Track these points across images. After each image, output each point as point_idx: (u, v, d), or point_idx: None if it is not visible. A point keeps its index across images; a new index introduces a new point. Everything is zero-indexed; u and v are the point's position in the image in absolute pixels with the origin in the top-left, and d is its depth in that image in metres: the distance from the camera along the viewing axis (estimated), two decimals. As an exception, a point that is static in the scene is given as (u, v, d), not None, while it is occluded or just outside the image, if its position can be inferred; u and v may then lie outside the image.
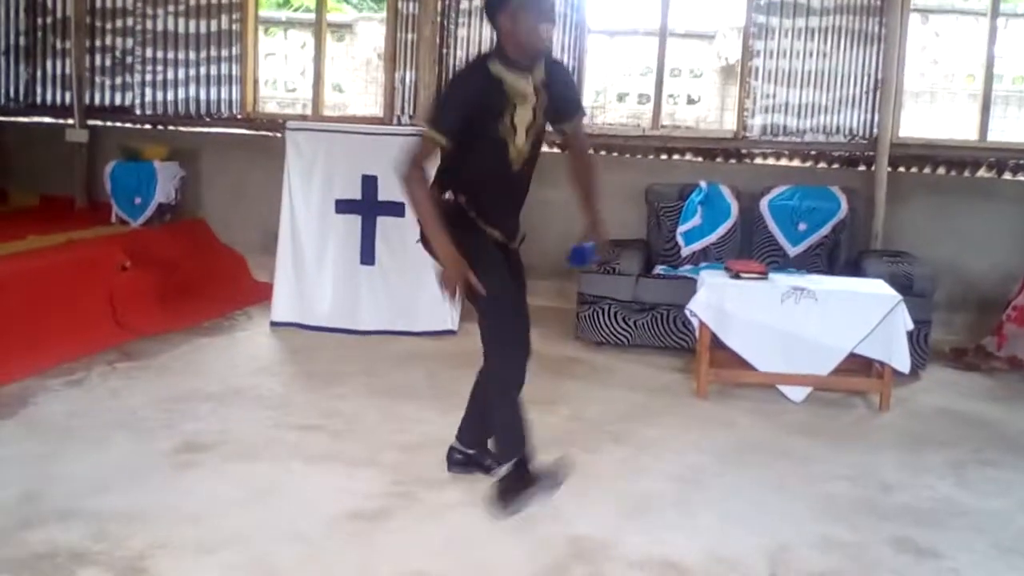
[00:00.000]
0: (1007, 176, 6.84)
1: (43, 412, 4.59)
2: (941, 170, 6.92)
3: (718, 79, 12.45)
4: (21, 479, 3.76)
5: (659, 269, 6.40)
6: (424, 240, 3.49)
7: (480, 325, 3.54)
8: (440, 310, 6.24)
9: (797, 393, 5.14)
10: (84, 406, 4.69)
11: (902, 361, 4.98)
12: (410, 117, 7.40)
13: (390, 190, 6.24)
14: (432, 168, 3.50)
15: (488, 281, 3.38)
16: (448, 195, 3.49)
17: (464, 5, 7.32)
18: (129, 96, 8.04)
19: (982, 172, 6.86)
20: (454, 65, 7.34)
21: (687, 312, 5.24)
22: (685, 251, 6.51)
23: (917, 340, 5.53)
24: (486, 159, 3.44)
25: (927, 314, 5.67)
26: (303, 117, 7.89)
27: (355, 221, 6.36)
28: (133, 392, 4.92)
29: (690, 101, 12.75)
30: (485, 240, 3.52)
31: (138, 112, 8.04)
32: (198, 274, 7.01)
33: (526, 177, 3.61)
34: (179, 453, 4.11)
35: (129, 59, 7.99)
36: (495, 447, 3.67)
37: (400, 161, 3.42)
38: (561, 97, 3.60)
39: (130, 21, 7.95)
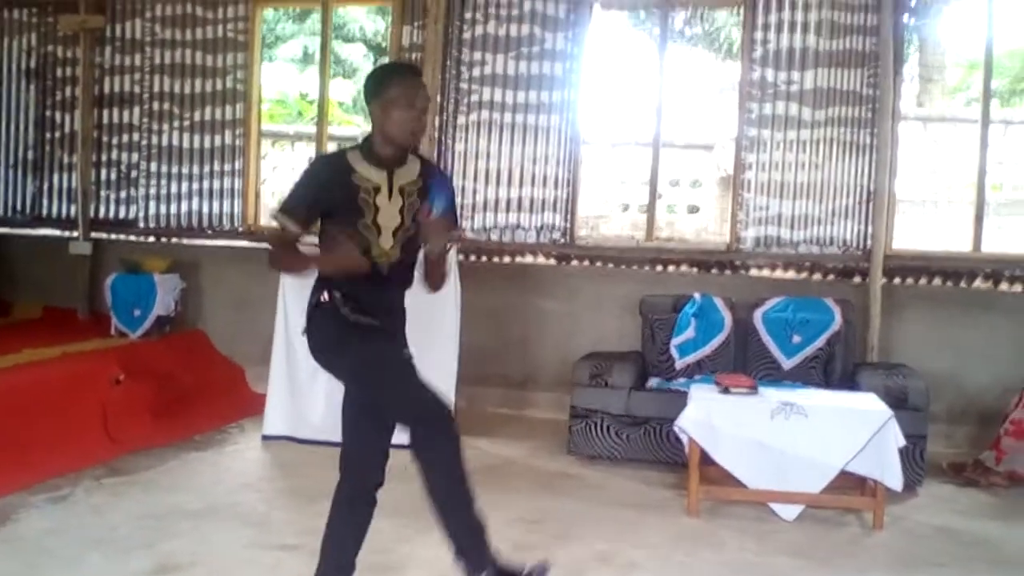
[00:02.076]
0: (1004, 287, 6.83)
1: (22, 529, 4.53)
2: (937, 281, 6.91)
3: (718, 189, 12.60)
4: (-12, 603, 3.71)
5: (652, 382, 6.36)
6: (308, 329, 3.43)
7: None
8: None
9: (789, 511, 5.04)
10: (64, 523, 4.63)
11: (894, 478, 4.89)
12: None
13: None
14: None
15: (353, 354, 3.35)
16: (324, 295, 3.37)
17: (461, 120, 7.48)
18: (133, 209, 8.18)
19: (978, 283, 6.85)
20: (451, 178, 7.45)
21: (676, 428, 5.19)
22: (679, 363, 6.47)
23: (912, 455, 5.44)
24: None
25: (923, 428, 5.59)
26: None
27: (349, 333, 6.36)
28: (115, 509, 4.87)
29: (691, 210, 12.87)
30: (359, 328, 3.36)
31: (141, 225, 8.17)
32: (194, 386, 7.01)
33: (401, 281, 3.47)
34: (153, 574, 4.04)
35: (134, 173, 8.15)
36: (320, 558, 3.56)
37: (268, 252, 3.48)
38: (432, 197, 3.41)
39: (136, 136, 8.14)
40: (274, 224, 3.41)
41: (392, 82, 3.31)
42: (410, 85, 3.32)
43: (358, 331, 3.34)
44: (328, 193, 3.32)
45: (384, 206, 3.34)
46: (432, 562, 4.10)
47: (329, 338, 3.38)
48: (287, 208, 3.34)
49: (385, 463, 3.47)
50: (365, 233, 3.31)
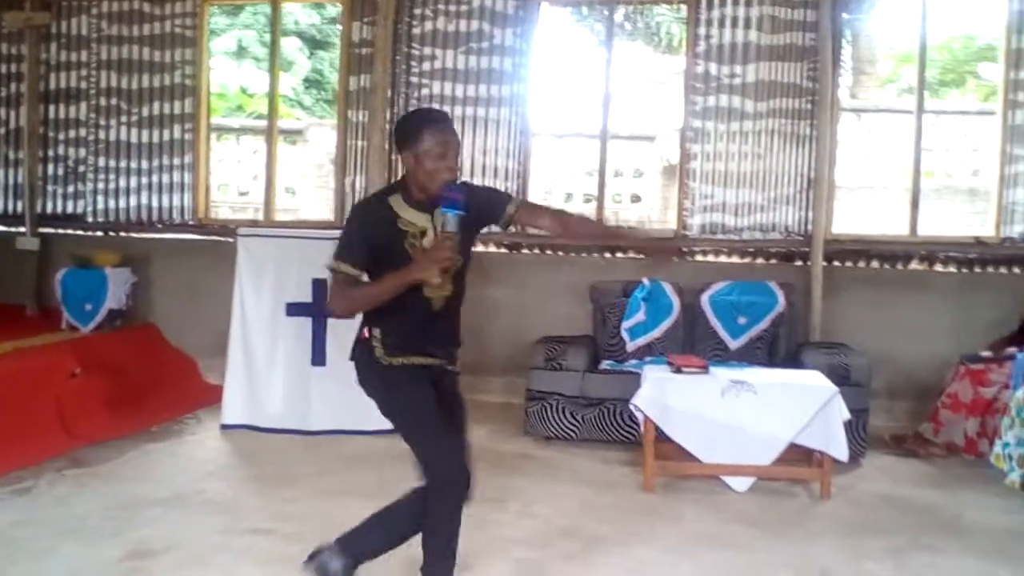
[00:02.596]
0: (938, 268, 7.13)
1: (-12, 522, 4.56)
2: (875, 264, 7.19)
3: (660, 179, 12.84)
4: (-36, 591, 3.74)
5: (605, 364, 6.53)
6: (353, 360, 3.48)
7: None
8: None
9: (741, 483, 5.26)
10: (31, 515, 4.66)
11: (840, 450, 5.14)
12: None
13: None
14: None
15: (386, 397, 3.41)
16: (365, 332, 3.42)
17: (412, 114, 7.55)
18: (81, 204, 8.14)
19: (914, 265, 7.14)
20: (401, 170, 7.53)
21: (632, 407, 5.37)
22: (630, 346, 6.66)
23: (856, 429, 5.69)
24: (403, 300, 3.30)
25: (865, 403, 5.84)
26: (254, 222, 8.03)
27: (306, 323, 6.44)
28: (81, 499, 4.91)
29: (634, 200, 13.10)
30: (392, 370, 3.40)
31: (90, 220, 8.12)
32: (148, 379, 7.01)
33: (452, 311, 3.49)
34: (127, 560, 4.11)
35: (82, 168, 8.11)
36: (350, 537, 3.54)
37: (332, 303, 3.40)
38: (483, 208, 3.46)
39: (83, 132, 8.10)
40: (334, 272, 3.34)
41: (424, 133, 3.29)
42: (441, 135, 3.30)
43: (392, 373, 3.38)
44: (377, 240, 3.31)
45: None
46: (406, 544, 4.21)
47: (367, 376, 3.43)
48: (344, 257, 3.32)
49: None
50: None
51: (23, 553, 4.17)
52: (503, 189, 7.45)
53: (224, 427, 6.38)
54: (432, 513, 3.34)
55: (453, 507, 3.34)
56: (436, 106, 7.49)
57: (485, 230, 3.70)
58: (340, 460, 5.75)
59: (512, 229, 3.81)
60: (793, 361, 6.30)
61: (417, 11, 7.55)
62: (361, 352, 3.43)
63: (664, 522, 4.78)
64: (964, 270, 7.08)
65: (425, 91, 7.55)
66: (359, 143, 7.64)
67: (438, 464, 3.30)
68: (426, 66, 7.55)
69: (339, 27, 8.41)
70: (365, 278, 3.36)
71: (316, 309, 6.43)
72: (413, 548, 3.47)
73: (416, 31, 7.56)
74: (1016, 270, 6.99)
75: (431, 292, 3.35)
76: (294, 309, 6.46)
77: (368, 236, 3.32)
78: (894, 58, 16.93)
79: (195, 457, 5.84)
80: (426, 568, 3.42)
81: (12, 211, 8.28)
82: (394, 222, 3.33)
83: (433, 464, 3.30)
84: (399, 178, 3.46)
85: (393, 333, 3.38)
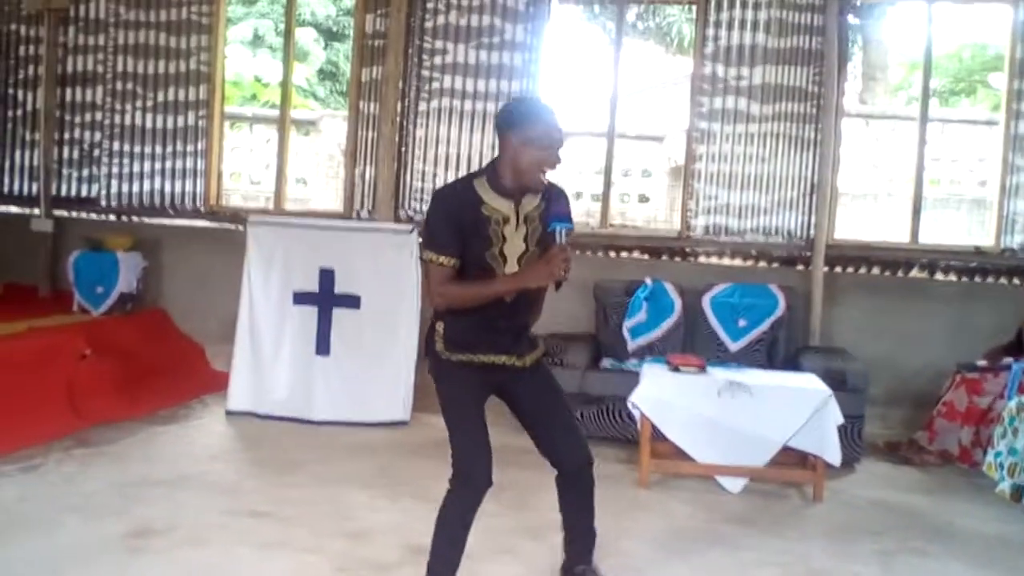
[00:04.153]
0: (939, 276, 7.19)
1: (-4, 497, 4.67)
2: (876, 270, 7.25)
3: (668, 179, 12.90)
4: (-28, 562, 3.85)
5: (606, 362, 6.61)
6: (428, 353, 3.49)
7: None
8: (393, 401, 6.46)
9: (734, 484, 5.34)
10: (38, 492, 4.78)
11: (833, 454, 5.21)
12: (368, 212, 7.65)
13: (346, 283, 6.50)
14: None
15: (442, 390, 3.44)
16: (434, 325, 3.44)
17: (423, 107, 7.65)
18: (95, 188, 8.24)
19: (915, 273, 7.20)
20: (411, 162, 7.65)
21: (629, 404, 5.45)
22: (631, 345, 6.73)
23: (851, 434, 5.76)
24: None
25: (860, 409, 5.91)
26: (265, 211, 8.12)
27: (312, 312, 6.55)
28: (87, 478, 5.02)
29: (642, 200, 13.16)
30: (450, 365, 3.43)
31: (103, 203, 8.23)
32: (157, 363, 7.11)
33: (524, 305, 3.45)
34: (130, 538, 4.21)
35: (96, 152, 8.21)
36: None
37: (430, 295, 3.37)
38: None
39: (99, 115, 8.20)
40: (429, 264, 3.31)
41: (537, 121, 3.24)
42: (553, 128, 3.26)
43: (447, 367, 3.41)
44: (462, 224, 3.28)
45: (511, 235, 3.32)
46: (399, 528, 4.32)
47: (430, 366, 3.47)
48: (437, 246, 3.28)
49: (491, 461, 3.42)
50: (492, 262, 3.31)
51: (28, 527, 4.28)
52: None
53: (229, 413, 6.49)
54: (445, 507, 3.39)
55: (466, 507, 3.37)
56: (447, 100, 7.60)
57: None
58: (341, 449, 5.85)
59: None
60: (791, 364, 6.37)
61: (430, 5, 7.63)
62: (427, 342, 3.47)
63: (656, 518, 4.88)
64: (964, 279, 7.14)
65: (436, 84, 7.63)
66: (370, 134, 7.73)
67: (461, 462, 3.35)
68: (437, 60, 7.63)
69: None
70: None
71: (322, 299, 6.53)
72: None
73: (428, 24, 7.65)
74: (1016, 281, 7.05)
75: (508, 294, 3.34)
76: (301, 298, 6.56)
77: (454, 221, 3.28)
78: (905, 65, 16.96)
79: (199, 441, 5.95)
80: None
81: (27, 193, 8.39)
82: (478, 206, 3.29)
83: (457, 461, 3.35)
84: (490, 162, 3.39)
85: (456, 329, 3.39)
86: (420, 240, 3.38)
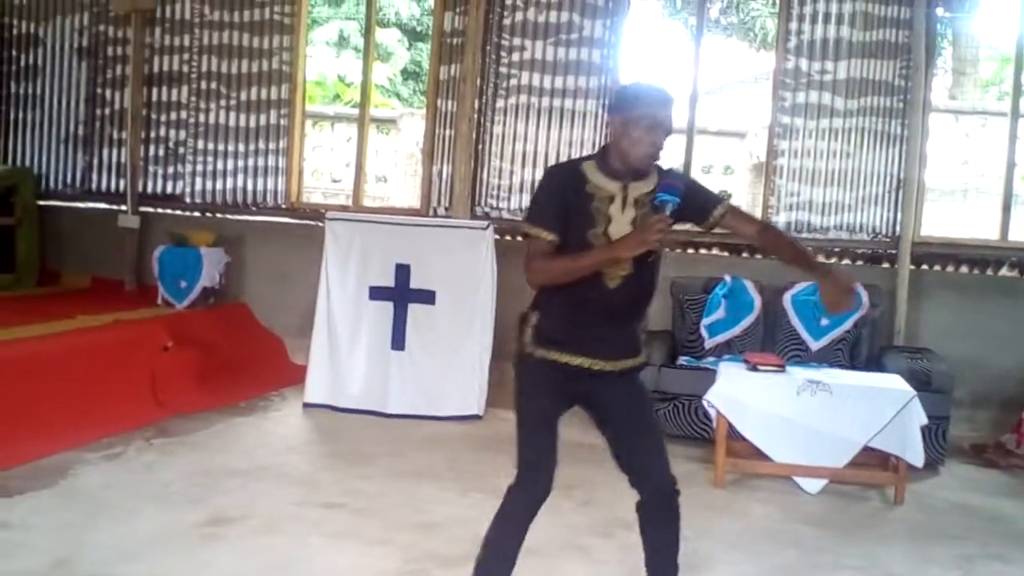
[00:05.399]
0: (1030, 275, 6.95)
1: (80, 483, 4.79)
2: (964, 269, 7.04)
3: (749, 175, 12.71)
4: (54, 546, 3.94)
5: (682, 360, 6.53)
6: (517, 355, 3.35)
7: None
8: (467, 396, 6.47)
9: (812, 485, 5.23)
10: (118, 479, 4.89)
11: (916, 455, 5.06)
12: (445, 209, 7.67)
13: (422, 278, 6.54)
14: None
15: (518, 387, 3.32)
16: (529, 311, 3.32)
17: (500, 104, 7.65)
18: (180, 185, 8.41)
19: (1004, 271, 6.97)
20: (488, 159, 7.66)
21: (704, 402, 5.37)
22: (709, 343, 6.64)
23: (935, 436, 5.60)
24: (579, 288, 3.17)
25: (945, 410, 5.74)
26: (344, 208, 8.20)
27: (387, 307, 6.60)
28: (166, 467, 5.13)
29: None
30: (531, 362, 3.29)
31: (188, 200, 8.40)
32: (237, 356, 7.24)
33: (632, 296, 3.25)
34: (205, 526, 4.28)
35: (181, 150, 8.39)
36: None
37: (526, 269, 3.23)
38: (693, 203, 3.28)
39: (184, 114, 8.37)
40: (530, 238, 3.23)
41: (643, 102, 3.15)
42: (658, 109, 3.15)
43: (527, 361, 3.29)
44: (566, 202, 3.20)
45: (616, 216, 3.19)
46: (468, 521, 4.30)
47: (514, 355, 3.37)
48: (538, 220, 3.21)
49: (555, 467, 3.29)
50: (595, 243, 3.16)
51: (108, 514, 4.38)
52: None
53: (306, 406, 6.57)
54: (504, 507, 3.30)
55: (523, 508, 3.27)
56: (524, 97, 7.59)
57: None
58: (414, 442, 5.88)
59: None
60: (874, 365, 6.21)
61: (508, 1, 7.61)
62: (517, 330, 3.36)
63: (730, 518, 4.79)
64: (1056, 279, 6.89)
65: (514, 81, 7.62)
66: (447, 132, 7.75)
67: (521, 467, 3.27)
68: (515, 56, 7.61)
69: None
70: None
71: (398, 294, 6.58)
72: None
73: (506, 21, 7.63)
74: (1111, 281, 6.78)
75: (608, 267, 3.15)
76: (377, 293, 6.62)
77: (558, 197, 3.21)
78: (996, 60, 16.44)
79: (276, 432, 6.04)
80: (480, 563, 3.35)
81: (115, 190, 8.60)
82: (582, 186, 3.20)
83: (520, 461, 3.28)
84: (603, 145, 3.32)
85: (549, 321, 3.25)
86: (524, 216, 3.26)
